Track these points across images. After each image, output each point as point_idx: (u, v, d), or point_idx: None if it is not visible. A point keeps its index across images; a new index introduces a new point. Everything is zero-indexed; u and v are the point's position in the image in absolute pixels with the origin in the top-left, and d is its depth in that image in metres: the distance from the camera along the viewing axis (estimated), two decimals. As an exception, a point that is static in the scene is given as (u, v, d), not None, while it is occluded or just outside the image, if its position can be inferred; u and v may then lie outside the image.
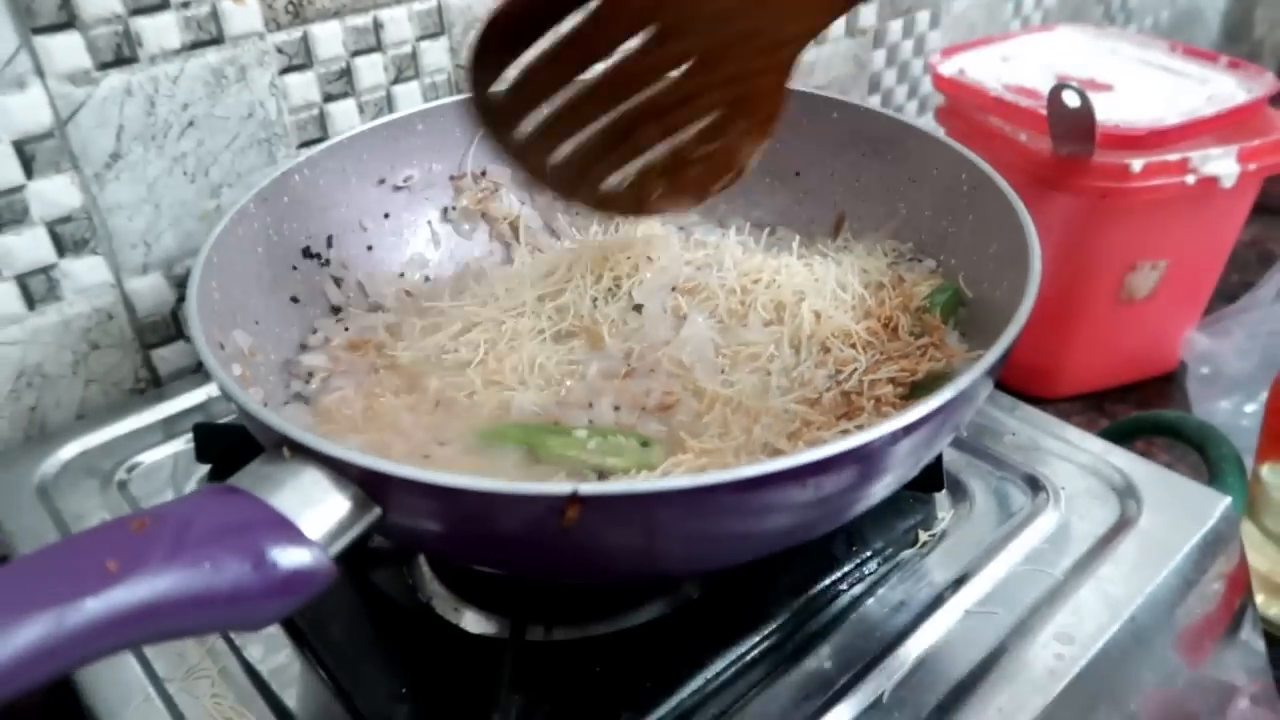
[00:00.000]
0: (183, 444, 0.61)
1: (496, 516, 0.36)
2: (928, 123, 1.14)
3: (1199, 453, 0.69)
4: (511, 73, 0.48)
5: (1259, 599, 0.69)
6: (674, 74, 0.49)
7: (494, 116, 0.50)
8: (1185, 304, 0.87)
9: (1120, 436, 0.77)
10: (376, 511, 0.37)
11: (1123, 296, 0.82)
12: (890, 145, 0.61)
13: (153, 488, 0.58)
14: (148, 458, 0.60)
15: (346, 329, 0.56)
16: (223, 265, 0.50)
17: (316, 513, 0.35)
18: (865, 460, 0.37)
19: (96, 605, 0.29)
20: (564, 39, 0.47)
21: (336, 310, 0.58)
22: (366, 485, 0.36)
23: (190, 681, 0.46)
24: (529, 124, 0.50)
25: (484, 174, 0.66)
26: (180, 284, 0.64)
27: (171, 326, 0.65)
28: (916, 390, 0.48)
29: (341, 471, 0.36)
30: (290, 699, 0.46)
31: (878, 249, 0.59)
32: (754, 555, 0.43)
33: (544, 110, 0.50)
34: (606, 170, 0.52)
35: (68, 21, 0.54)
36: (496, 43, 0.47)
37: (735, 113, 0.50)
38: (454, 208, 0.65)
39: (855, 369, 0.49)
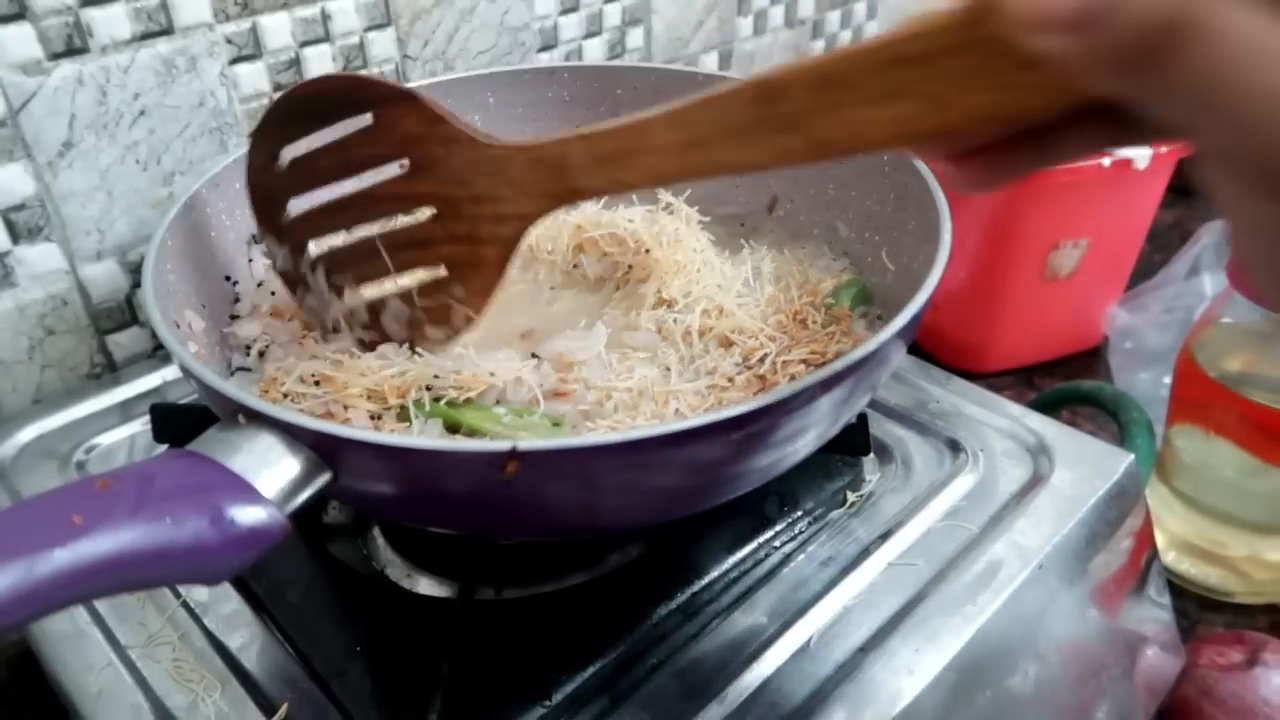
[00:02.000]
0: (140, 425, 0.62)
1: (442, 474, 0.38)
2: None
3: (1113, 418, 0.73)
4: (287, 155, 0.51)
5: (1170, 555, 0.74)
6: (419, 213, 0.51)
7: (264, 191, 0.53)
8: (1107, 281, 0.91)
9: (1045, 407, 0.81)
10: (328, 474, 0.39)
11: (1047, 275, 0.87)
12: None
13: (112, 467, 0.59)
14: (105, 439, 0.61)
15: (273, 293, 0.57)
16: (176, 249, 0.51)
17: (271, 473, 0.37)
18: (788, 415, 0.40)
19: (64, 555, 0.31)
20: (336, 141, 0.51)
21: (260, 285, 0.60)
22: (318, 448, 0.38)
23: (152, 648, 0.48)
24: (293, 208, 0.53)
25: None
26: (134, 270, 0.66)
27: (126, 312, 0.66)
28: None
29: (295, 435, 0.38)
30: (248, 662, 0.48)
31: (786, 252, 0.62)
32: (688, 510, 0.46)
33: (306, 201, 0.53)
34: (357, 277, 0.54)
35: (19, 12, 0.55)
36: (279, 122, 0.51)
37: (458, 274, 0.52)
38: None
39: (765, 354, 0.52)
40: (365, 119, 0.50)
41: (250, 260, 0.59)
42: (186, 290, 0.52)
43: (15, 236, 0.60)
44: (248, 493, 0.36)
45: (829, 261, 0.61)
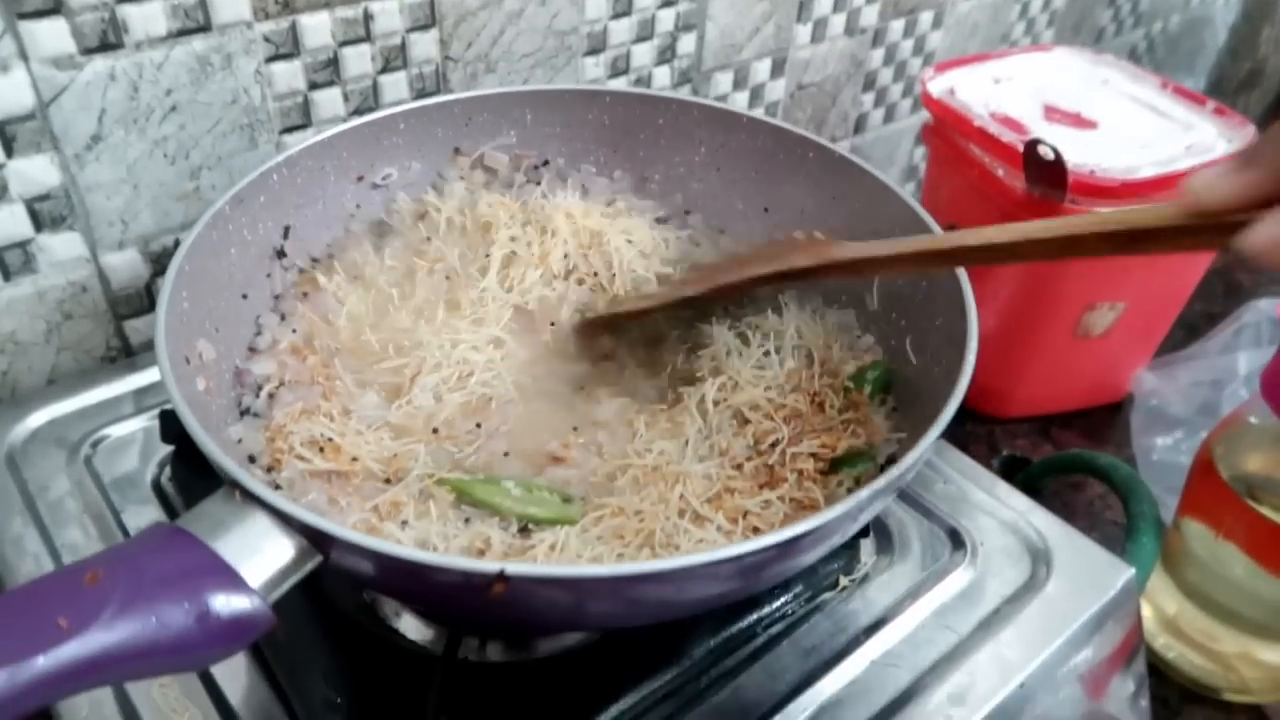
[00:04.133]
0: (149, 420, 0.63)
1: (429, 580, 0.38)
2: (916, 122, 1.15)
3: (1122, 502, 0.72)
4: None
5: (1161, 640, 0.73)
6: None
7: None
8: (1139, 342, 0.89)
9: (1058, 470, 0.80)
10: (318, 558, 0.39)
11: (1079, 332, 0.85)
12: (856, 192, 0.62)
13: (117, 464, 0.60)
14: (115, 431, 0.62)
15: (294, 330, 0.57)
16: (194, 273, 0.51)
17: (260, 560, 0.38)
18: (785, 551, 0.40)
19: (46, 663, 0.31)
20: None
21: (277, 299, 0.59)
22: (310, 536, 0.39)
23: (141, 671, 0.49)
24: None
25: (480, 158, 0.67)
26: (155, 259, 0.65)
27: (145, 299, 0.66)
28: (836, 464, 0.51)
29: (287, 521, 0.39)
30: (233, 696, 0.49)
31: (818, 320, 0.61)
32: (678, 617, 0.46)
33: None
34: None
35: (54, 7, 0.54)
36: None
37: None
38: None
39: (776, 440, 0.51)
40: None
41: (269, 275, 0.58)
42: (200, 315, 0.52)
43: (39, 225, 0.60)
44: (233, 581, 0.37)
45: (854, 338, 0.60)
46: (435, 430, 0.51)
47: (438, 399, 0.53)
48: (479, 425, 0.52)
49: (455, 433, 0.51)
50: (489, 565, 0.36)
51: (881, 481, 0.40)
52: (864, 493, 0.39)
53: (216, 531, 0.38)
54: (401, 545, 0.37)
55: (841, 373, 0.56)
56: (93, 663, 0.32)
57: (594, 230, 0.62)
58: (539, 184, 0.68)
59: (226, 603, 0.36)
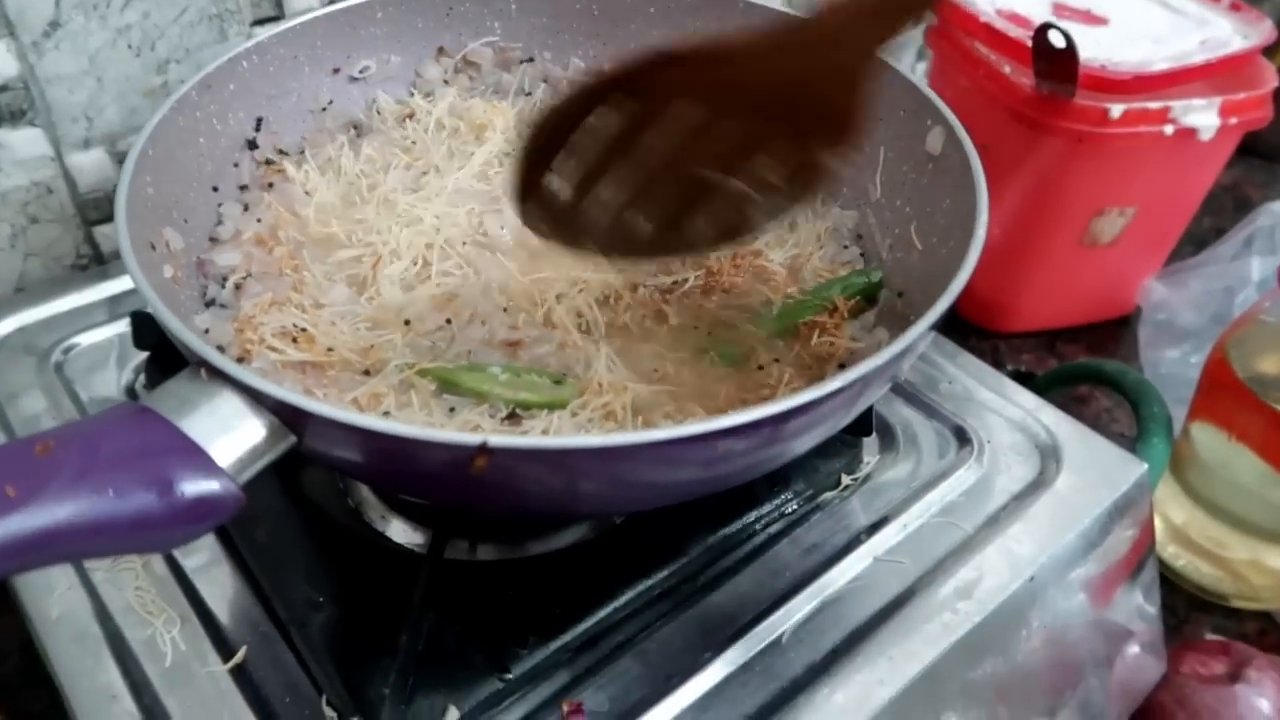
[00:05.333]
0: (123, 326, 0.60)
1: (410, 457, 0.36)
2: (915, 35, 1.10)
3: (1132, 407, 0.70)
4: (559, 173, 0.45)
5: (1170, 549, 0.72)
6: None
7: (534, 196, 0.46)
8: (1149, 251, 0.87)
9: (1064, 380, 0.78)
10: (291, 439, 0.37)
11: (1086, 240, 0.82)
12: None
13: (89, 371, 0.58)
14: (87, 339, 0.60)
15: (259, 220, 0.54)
16: (159, 159, 0.48)
17: (229, 439, 0.35)
18: (776, 427, 0.37)
19: (-8, 532, 0.29)
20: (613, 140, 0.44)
21: (244, 189, 0.56)
22: (283, 415, 0.36)
23: (115, 573, 0.47)
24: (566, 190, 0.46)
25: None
26: (124, 160, 0.62)
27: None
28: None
29: (258, 399, 0.36)
30: (212, 598, 0.47)
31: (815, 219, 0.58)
32: (670, 502, 0.44)
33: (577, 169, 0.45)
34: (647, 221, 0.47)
35: (0, -124, 0.51)
36: (541, 151, 0.44)
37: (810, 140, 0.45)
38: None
39: None
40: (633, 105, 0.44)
41: (236, 165, 0.55)
42: (167, 204, 0.49)
43: (-3, 119, 0.57)
44: (200, 460, 0.35)
45: (840, 248, 0.57)
46: (407, 322, 0.48)
47: (407, 289, 0.50)
48: (449, 321, 0.49)
49: (427, 327, 0.49)
50: (470, 437, 0.34)
51: (889, 352, 0.38)
52: (867, 364, 0.37)
53: (183, 410, 0.36)
54: (377, 419, 0.35)
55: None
56: (44, 534, 0.30)
57: None
58: (529, 94, 0.65)
59: (193, 481, 0.34)
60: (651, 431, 0.34)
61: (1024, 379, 0.83)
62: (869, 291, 0.53)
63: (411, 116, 0.63)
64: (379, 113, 0.63)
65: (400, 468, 0.38)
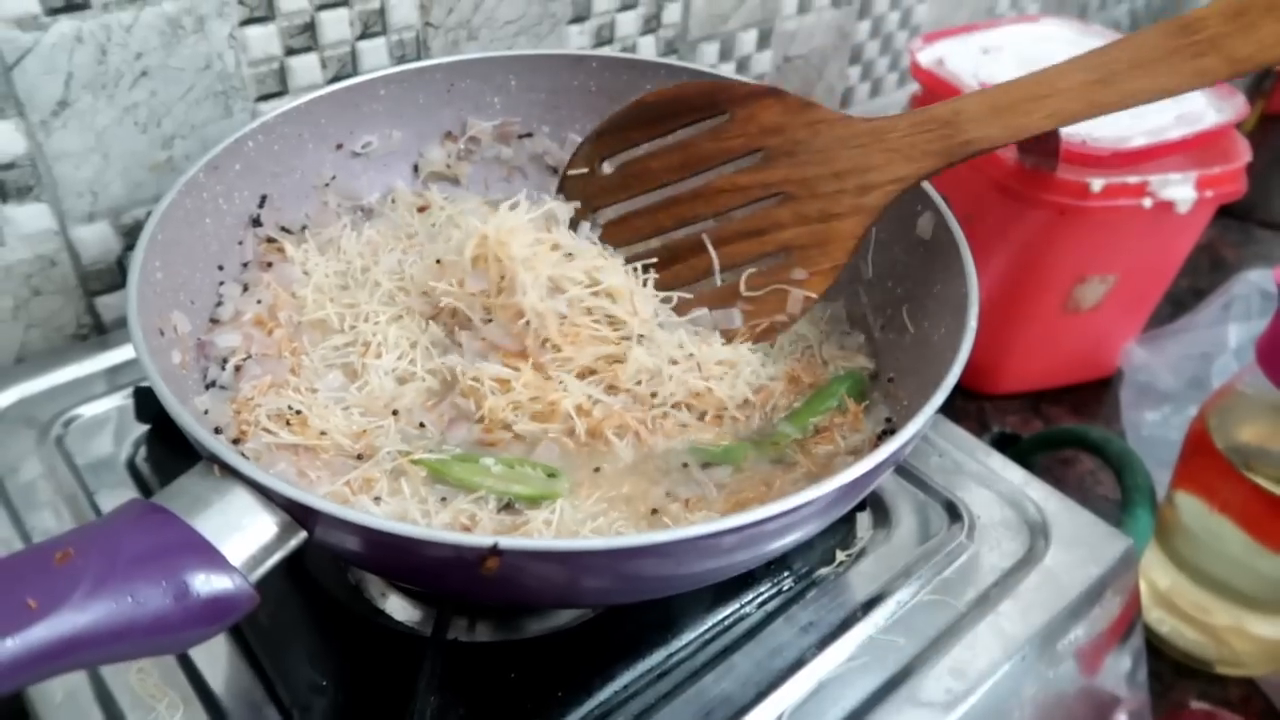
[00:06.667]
0: (123, 398, 0.61)
1: (420, 555, 0.37)
2: (901, 97, 1.13)
3: (1116, 476, 0.72)
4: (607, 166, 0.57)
5: (1154, 615, 0.73)
6: (761, 204, 0.54)
7: (577, 192, 0.58)
8: (1129, 316, 0.89)
9: (1049, 445, 0.80)
10: (302, 535, 0.38)
11: (1069, 306, 0.84)
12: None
13: (90, 444, 0.58)
14: (88, 410, 0.60)
15: (259, 301, 0.54)
16: (167, 242, 0.49)
17: (241, 538, 0.36)
18: (779, 523, 0.38)
19: (15, 645, 0.30)
20: (677, 142, 0.55)
21: (245, 267, 0.57)
22: (294, 512, 0.37)
23: (117, 655, 0.47)
24: (612, 209, 0.58)
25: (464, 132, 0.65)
26: (127, 232, 0.63)
27: (116, 274, 0.64)
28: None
29: (269, 496, 0.37)
30: (214, 681, 0.47)
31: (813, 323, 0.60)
32: (675, 592, 0.44)
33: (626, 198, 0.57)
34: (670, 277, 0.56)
35: (15, -35, 0.52)
36: (626, 126, 0.57)
37: (800, 256, 0.53)
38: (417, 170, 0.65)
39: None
40: (720, 118, 0.54)
41: (240, 243, 0.56)
42: (175, 287, 0.50)
43: (4, 196, 0.57)
44: (214, 560, 0.35)
45: (843, 334, 0.59)
46: (395, 413, 0.49)
47: (400, 382, 0.51)
48: (422, 425, 0.49)
49: (414, 421, 0.49)
50: (482, 539, 0.35)
51: (888, 449, 0.39)
52: (870, 460, 0.38)
53: (195, 508, 0.36)
54: (390, 520, 0.35)
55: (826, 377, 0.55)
56: (65, 644, 0.31)
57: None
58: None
59: (207, 582, 0.34)
60: (662, 533, 0.35)
61: (1009, 441, 0.84)
62: (862, 388, 0.55)
63: (424, 210, 0.63)
64: (393, 201, 0.64)
65: (409, 564, 0.38)
